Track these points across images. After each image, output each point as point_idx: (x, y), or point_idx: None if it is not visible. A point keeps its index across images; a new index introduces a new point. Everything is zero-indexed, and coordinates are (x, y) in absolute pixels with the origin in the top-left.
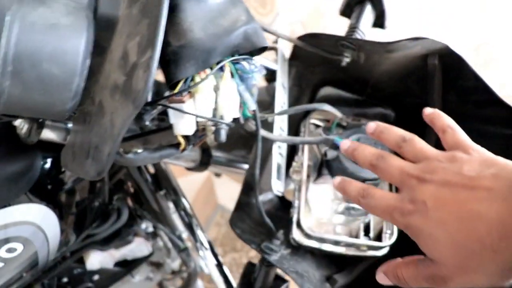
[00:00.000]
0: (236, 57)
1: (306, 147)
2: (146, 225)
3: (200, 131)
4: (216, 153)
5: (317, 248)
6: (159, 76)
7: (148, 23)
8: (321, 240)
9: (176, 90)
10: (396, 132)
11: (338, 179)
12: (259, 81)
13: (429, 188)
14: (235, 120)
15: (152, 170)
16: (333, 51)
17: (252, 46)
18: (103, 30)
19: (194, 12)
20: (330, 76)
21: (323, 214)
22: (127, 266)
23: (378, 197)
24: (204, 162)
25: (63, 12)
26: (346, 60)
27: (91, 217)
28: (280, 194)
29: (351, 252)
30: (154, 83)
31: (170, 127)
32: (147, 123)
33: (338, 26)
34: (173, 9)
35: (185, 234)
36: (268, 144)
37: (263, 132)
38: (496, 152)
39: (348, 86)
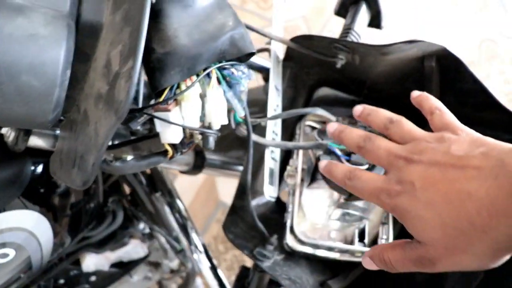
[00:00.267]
0: (223, 63)
1: (300, 151)
2: (143, 226)
3: (188, 138)
4: (211, 156)
5: (311, 254)
6: None
7: (130, 31)
8: (315, 246)
9: (161, 99)
10: (383, 114)
11: (324, 162)
12: (247, 87)
13: (417, 169)
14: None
15: (148, 171)
16: (327, 53)
17: (238, 52)
18: (87, 37)
19: (179, 18)
20: (326, 77)
21: (317, 219)
22: (123, 267)
23: (365, 179)
24: (198, 165)
25: (41, 22)
26: (340, 62)
27: (86, 219)
28: (272, 200)
29: (346, 258)
30: (146, 85)
31: (158, 134)
32: (139, 127)
33: (341, 22)
34: (157, 15)
35: (181, 235)
36: (262, 146)
37: (255, 137)
38: None
39: (345, 87)
